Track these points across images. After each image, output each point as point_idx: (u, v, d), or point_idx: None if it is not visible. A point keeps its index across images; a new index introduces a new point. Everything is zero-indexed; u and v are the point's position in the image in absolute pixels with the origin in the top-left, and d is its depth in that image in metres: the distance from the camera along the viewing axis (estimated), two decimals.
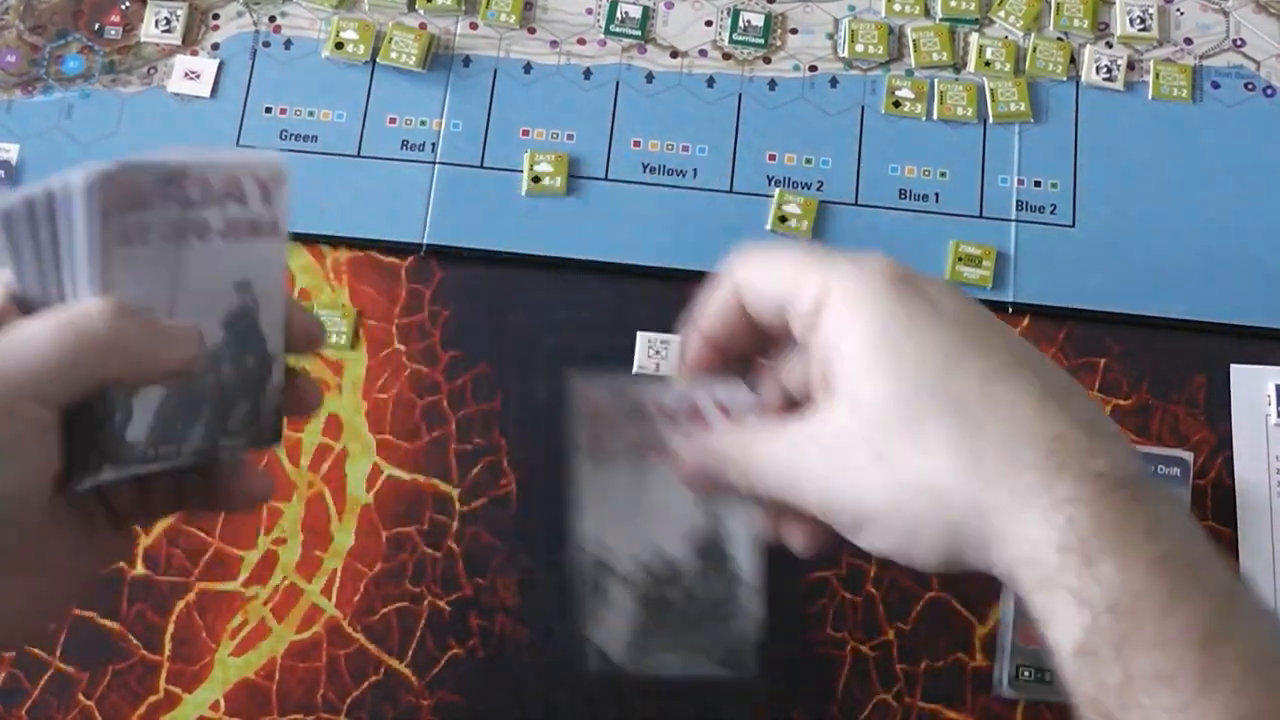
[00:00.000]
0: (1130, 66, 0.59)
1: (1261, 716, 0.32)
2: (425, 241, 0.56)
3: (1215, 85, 0.59)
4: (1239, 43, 0.60)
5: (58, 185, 0.34)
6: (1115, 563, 0.33)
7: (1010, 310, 0.55)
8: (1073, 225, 0.57)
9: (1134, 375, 0.55)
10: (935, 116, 0.58)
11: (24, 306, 0.35)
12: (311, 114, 0.58)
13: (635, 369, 0.54)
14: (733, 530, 0.45)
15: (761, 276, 0.39)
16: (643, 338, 0.55)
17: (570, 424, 0.42)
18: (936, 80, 0.59)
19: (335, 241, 0.56)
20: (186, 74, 0.59)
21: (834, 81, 0.59)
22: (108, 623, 0.51)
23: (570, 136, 0.58)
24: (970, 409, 0.35)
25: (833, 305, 0.36)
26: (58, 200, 0.34)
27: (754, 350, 0.41)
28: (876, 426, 0.35)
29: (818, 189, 0.57)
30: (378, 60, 0.58)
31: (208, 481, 0.40)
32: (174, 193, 0.36)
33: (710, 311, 0.40)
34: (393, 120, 0.58)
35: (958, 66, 0.59)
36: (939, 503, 0.35)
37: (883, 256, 0.37)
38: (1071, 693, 0.34)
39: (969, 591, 0.52)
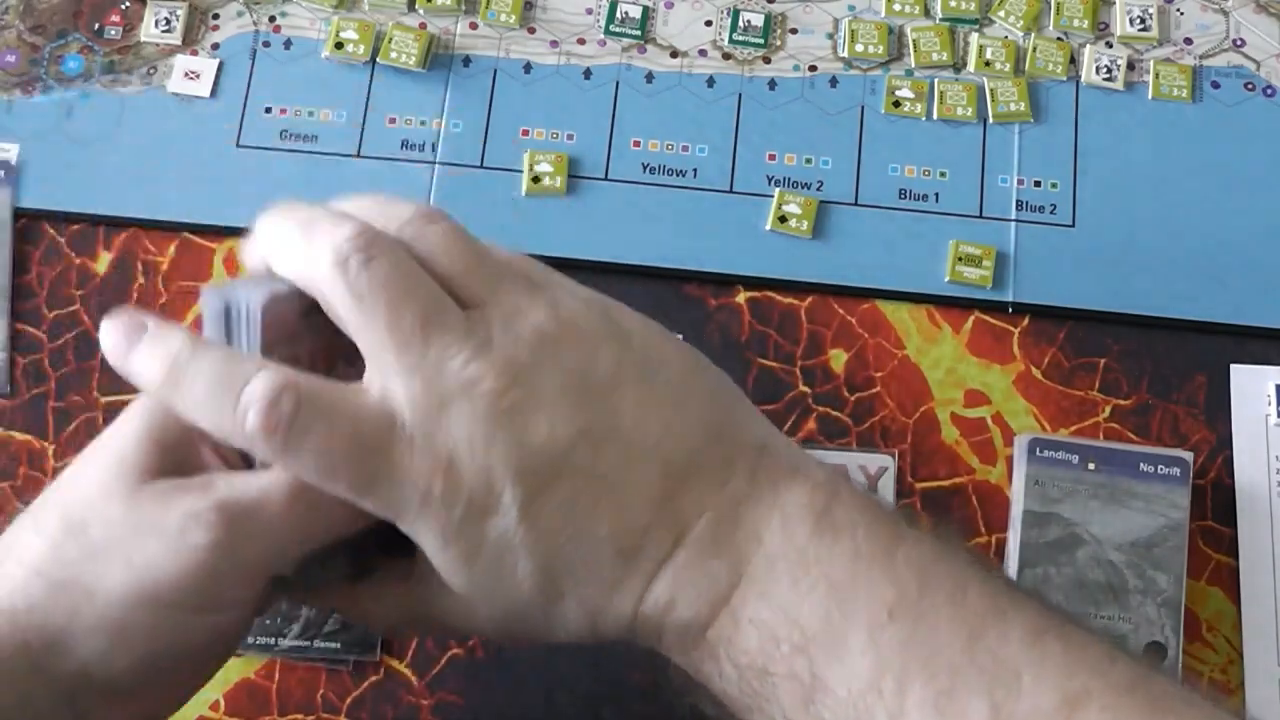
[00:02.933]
0: (1130, 66, 0.59)
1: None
2: None
3: (1215, 85, 0.59)
4: (1239, 43, 0.60)
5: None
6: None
7: (1010, 310, 0.55)
8: (1073, 225, 0.57)
9: (1134, 375, 0.55)
10: (935, 116, 0.58)
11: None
12: (311, 114, 0.58)
13: None
14: None
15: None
16: None
17: None
18: (936, 80, 0.59)
19: None
20: (186, 74, 0.59)
21: (834, 81, 0.59)
22: None
23: (570, 136, 0.58)
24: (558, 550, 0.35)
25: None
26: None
27: None
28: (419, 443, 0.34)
29: (818, 189, 0.57)
30: (378, 60, 0.58)
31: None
32: None
33: None
34: (393, 120, 0.58)
35: (958, 66, 0.59)
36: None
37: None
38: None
39: None
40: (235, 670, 0.51)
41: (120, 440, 0.35)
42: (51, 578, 0.34)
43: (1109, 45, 0.60)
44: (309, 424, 0.33)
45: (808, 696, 0.34)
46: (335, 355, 0.36)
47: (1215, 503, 0.53)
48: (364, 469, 0.33)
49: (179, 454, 0.36)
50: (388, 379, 0.34)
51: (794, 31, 0.60)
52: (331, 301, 0.34)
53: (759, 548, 0.35)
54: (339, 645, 0.50)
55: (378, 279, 0.34)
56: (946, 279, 0.56)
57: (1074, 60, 0.60)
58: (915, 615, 0.33)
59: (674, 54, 0.59)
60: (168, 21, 0.59)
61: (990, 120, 0.58)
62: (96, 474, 0.35)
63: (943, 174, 0.57)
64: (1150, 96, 0.59)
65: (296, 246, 0.35)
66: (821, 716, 0.33)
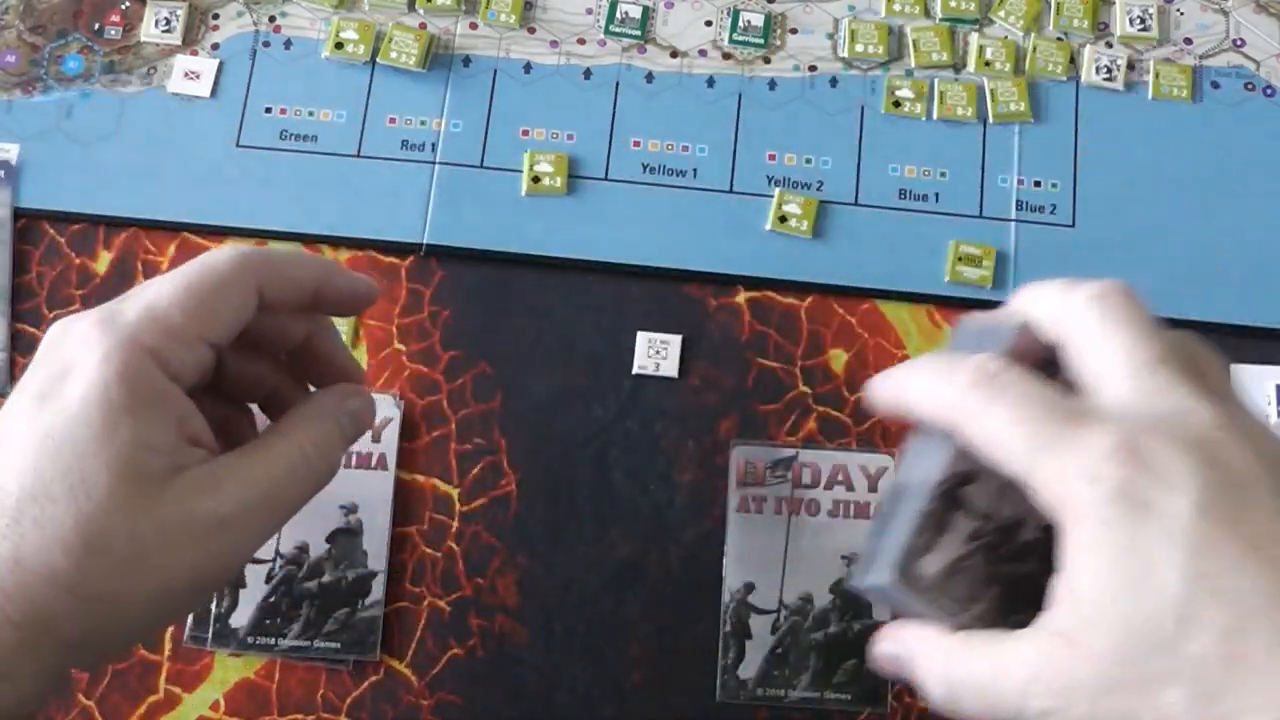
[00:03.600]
0: (1130, 66, 0.59)
1: None
2: (425, 241, 0.56)
3: (1215, 85, 0.59)
4: (1239, 43, 0.60)
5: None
6: None
7: None
8: (1073, 225, 0.57)
9: None
10: (935, 116, 0.58)
11: None
12: (311, 114, 0.58)
13: (635, 369, 0.54)
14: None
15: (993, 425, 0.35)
16: (643, 338, 0.55)
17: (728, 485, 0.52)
18: (936, 80, 0.59)
19: (335, 241, 0.56)
20: (186, 74, 0.59)
21: (834, 81, 0.59)
22: None
23: (570, 136, 0.58)
24: (1210, 676, 0.31)
25: (1071, 525, 0.33)
26: None
27: None
28: (1103, 686, 0.32)
29: (818, 189, 0.57)
30: (378, 60, 0.58)
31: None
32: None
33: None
34: (393, 120, 0.58)
35: (958, 66, 0.59)
36: None
37: (1109, 441, 0.32)
38: None
39: None
40: (235, 670, 0.51)
41: (127, 448, 0.35)
42: (82, 592, 0.34)
43: (1109, 45, 0.60)
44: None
45: None
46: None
47: None
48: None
49: (175, 451, 0.36)
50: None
51: (794, 31, 0.60)
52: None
53: None
54: (339, 645, 0.50)
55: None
56: (946, 279, 0.56)
57: (1074, 60, 0.60)
58: None
59: (674, 54, 0.59)
60: (168, 21, 0.59)
61: (990, 120, 0.58)
62: (111, 484, 0.34)
63: (943, 174, 0.57)
64: (1150, 96, 0.59)
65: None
66: None
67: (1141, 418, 0.33)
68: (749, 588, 0.51)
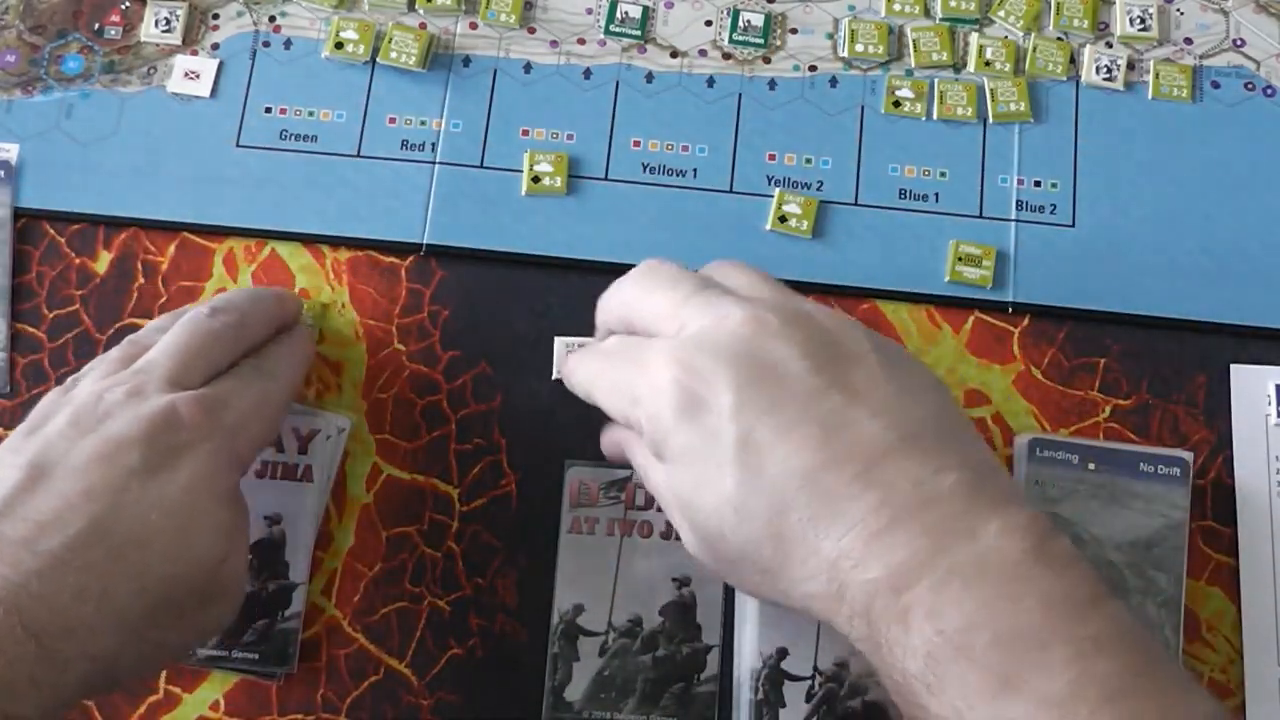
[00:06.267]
0: (1130, 66, 0.59)
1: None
2: (425, 241, 0.56)
3: (1215, 85, 0.59)
4: (1239, 43, 0.60)
5: None
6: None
7: (1010, 310, 0.55)
8: (1073, 225, 0.57)
9: (1134, 375, 0.55)
10: (935, 116, 0.58)
11: None
12: (311, 114, 0.58)
13: None
14: (702, 599, 0.50)
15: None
16: None
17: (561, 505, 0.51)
18: (936, 80, 0.59)
19: (335, 241, 0.56)
20: (186, 74, 0.59)
21: (834, 81, 0.59)
22: None
23: (570, 136, 0.58)
24: (765, 556, 0.39)
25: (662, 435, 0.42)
26: None
27: None
28: (711, 563, 0.42)
29: (818, 189, 0.57)
30: (378, 60, 0.58)
31: None
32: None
33: None
34: (392, 120, 0.58)
35: (958, 66, 0.59)
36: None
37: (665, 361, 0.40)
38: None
39: None
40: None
41: (221, 527, 0.42)
42: (142, 635, 0.40)
43: (1109, 45, 0.60)
44: None
45: (997, 691, 0.34)
46: None
47: (1215, 503, 0.53)
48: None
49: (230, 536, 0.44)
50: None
51: (794, 31, 0.60)
52: None
53: (971, 543, 0.36)
54: (257, 656, 0.50)
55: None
56: (946, 279, 0.56)
57: (1074, 60, 0.60)
58: (1118, 656, 0.34)
59: (674, 54, 0.59)
60: (168, 21, 0.59)
61: (990, 120, 0.58)
62: (206, 551, 0.41)
63: (943, 174, 0.57)
64: (1150, 96, 0.59)
65: None
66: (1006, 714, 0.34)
67: (686, 340, 0.40)
68: (578, 609, 0.51)
